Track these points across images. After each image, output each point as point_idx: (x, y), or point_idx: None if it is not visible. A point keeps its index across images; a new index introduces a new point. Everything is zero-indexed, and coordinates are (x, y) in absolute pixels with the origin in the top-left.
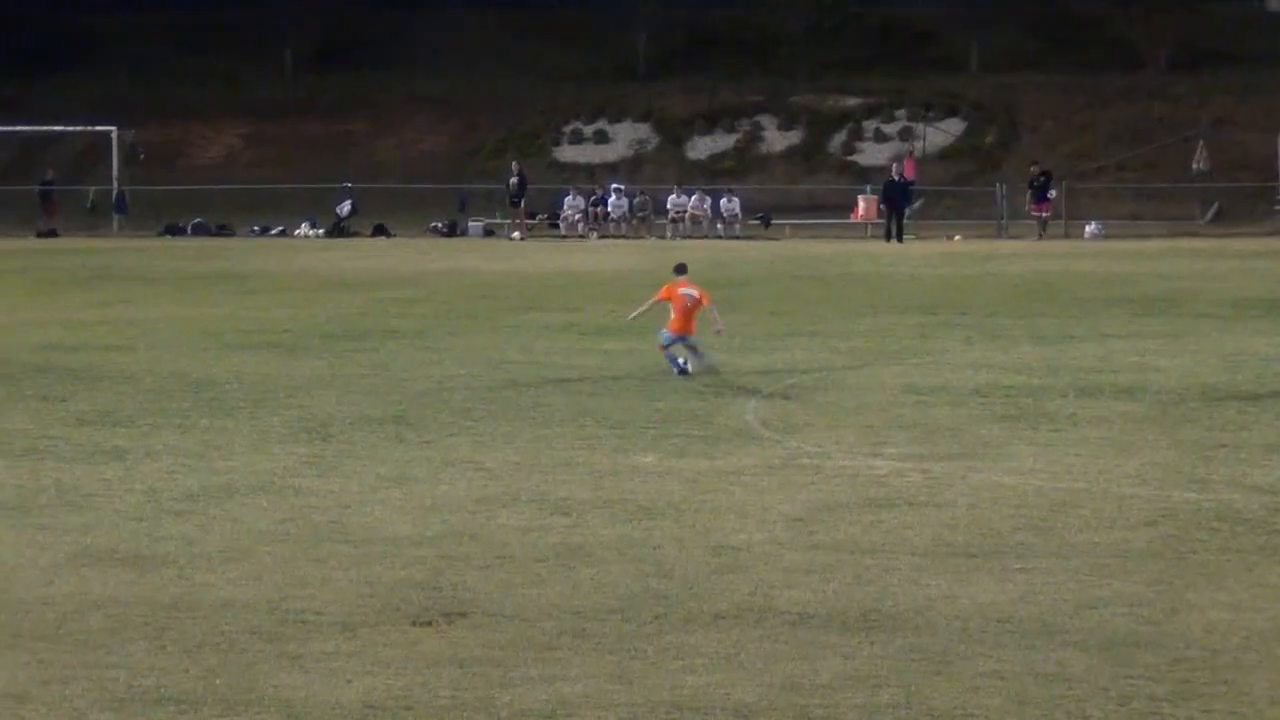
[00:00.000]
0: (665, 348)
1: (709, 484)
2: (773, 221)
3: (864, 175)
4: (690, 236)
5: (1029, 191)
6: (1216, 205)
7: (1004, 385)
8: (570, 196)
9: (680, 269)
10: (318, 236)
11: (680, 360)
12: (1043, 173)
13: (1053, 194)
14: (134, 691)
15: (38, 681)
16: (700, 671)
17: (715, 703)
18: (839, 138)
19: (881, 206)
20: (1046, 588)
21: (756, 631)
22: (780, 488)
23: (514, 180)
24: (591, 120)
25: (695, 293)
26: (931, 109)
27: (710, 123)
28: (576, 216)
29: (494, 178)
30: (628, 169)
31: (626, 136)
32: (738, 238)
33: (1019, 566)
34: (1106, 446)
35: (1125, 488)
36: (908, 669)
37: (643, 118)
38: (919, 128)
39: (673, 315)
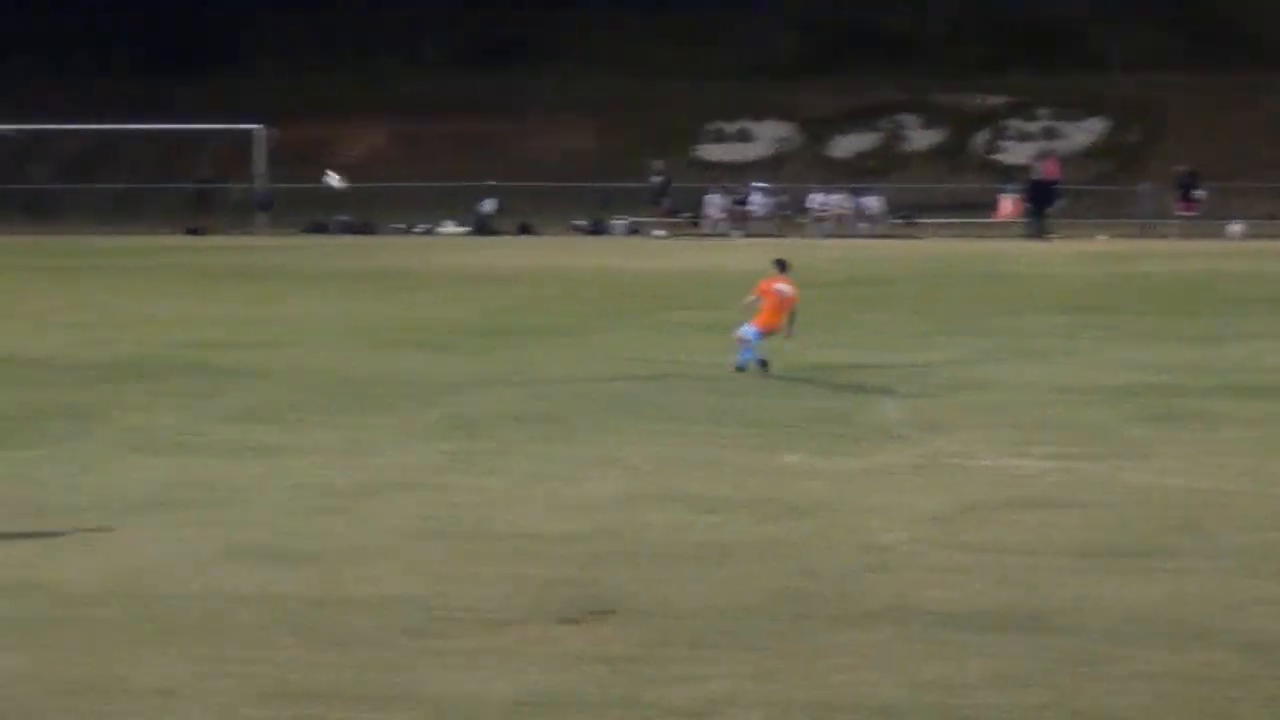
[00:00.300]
0: (746, 341)
1: (853, 483)
2: (915, 220)
3: (1006, 174)
4: (833, 235)
5: (1175, 191)
6: None
7: (1150, 385)
8: (713, 195)
9: (780, 265)
10: (463, 234)
11: (757, 355)
12: (1189, 172)
13: (1199, 194)
14: (283, 686)
15: (188, 676)
16: (846, 670)
17: (861, 702)
18: (981, 136)
19: (1026, 205)
20: (1194, 588)
21: (902, 631)
22: (925, 487)
23: (657, 179)
24: (734, 119)
25: (789, 289)
26: (1074, 107)
27: (852, 121)
28: (719, 215)
29: (637, 176)
30: (770, 167)
31: (769, 135)
32: (880, 236)
33: (1166, 567)
34: (1256, 447)
35: (1276, 488)
36: (1054, 669)
37: (785, 116)
38: (1062, 126)
39: (763, 309)
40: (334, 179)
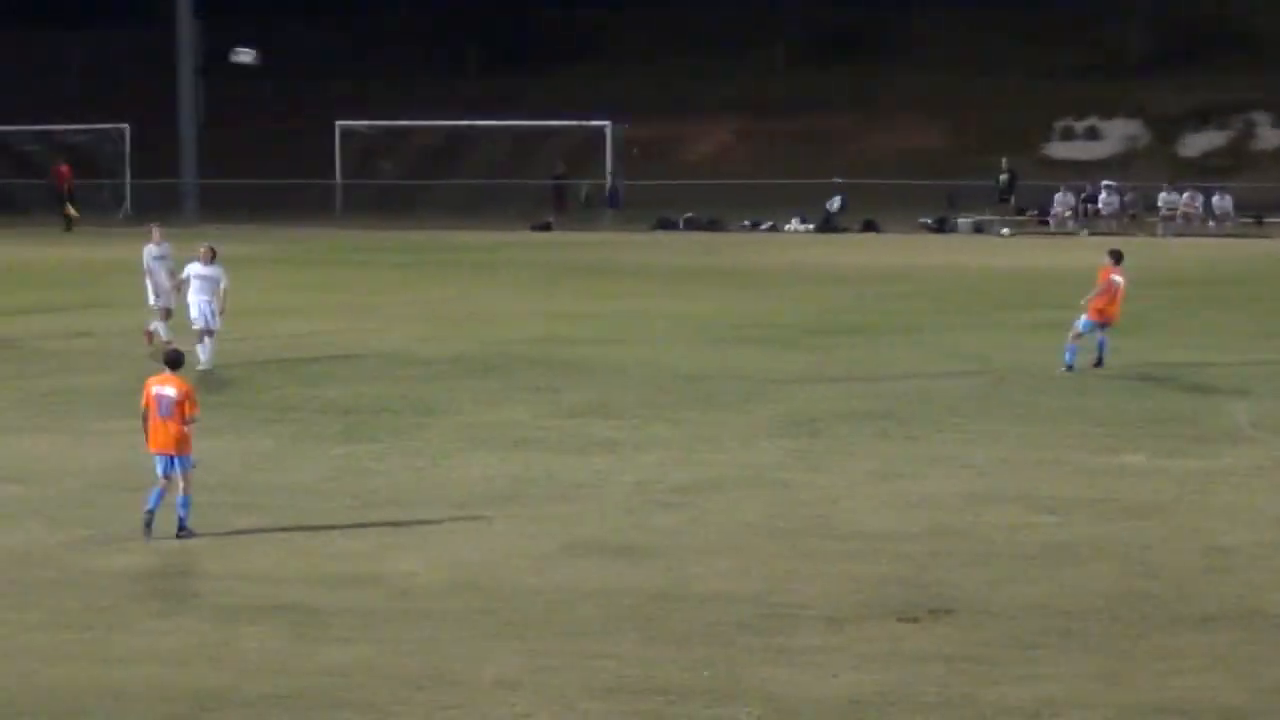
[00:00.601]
0: (1080, 335)
1: (1198, 484)
2: (1265, 220)
3: None
4: (1182, 234)
5: None
6: None
7: None
8: (1061, 193)
9: (1115, 255)
10: (808, 231)
11: (1074, 356)
12: None
13: None
14: (622, 681)
15: (529, 669)
16: (1187, 673)
17: (1202, 705)
18: None
19: None
20: None
21: (1246, 634)
22: (1271, 489)
23: (1004, 176)
24: (1082, 117)
25: (1122, 279)
26: None
27: (1202, 119)
28: (1067, 213)
29: (984, 174)
30: (1118, 166)
31: (1117, 133)
32: (1228, 236)
33: None
34: None
35: None
36: None
37: (1134, 114)
38: None
39: (1097, 299)
40: (244, 54)
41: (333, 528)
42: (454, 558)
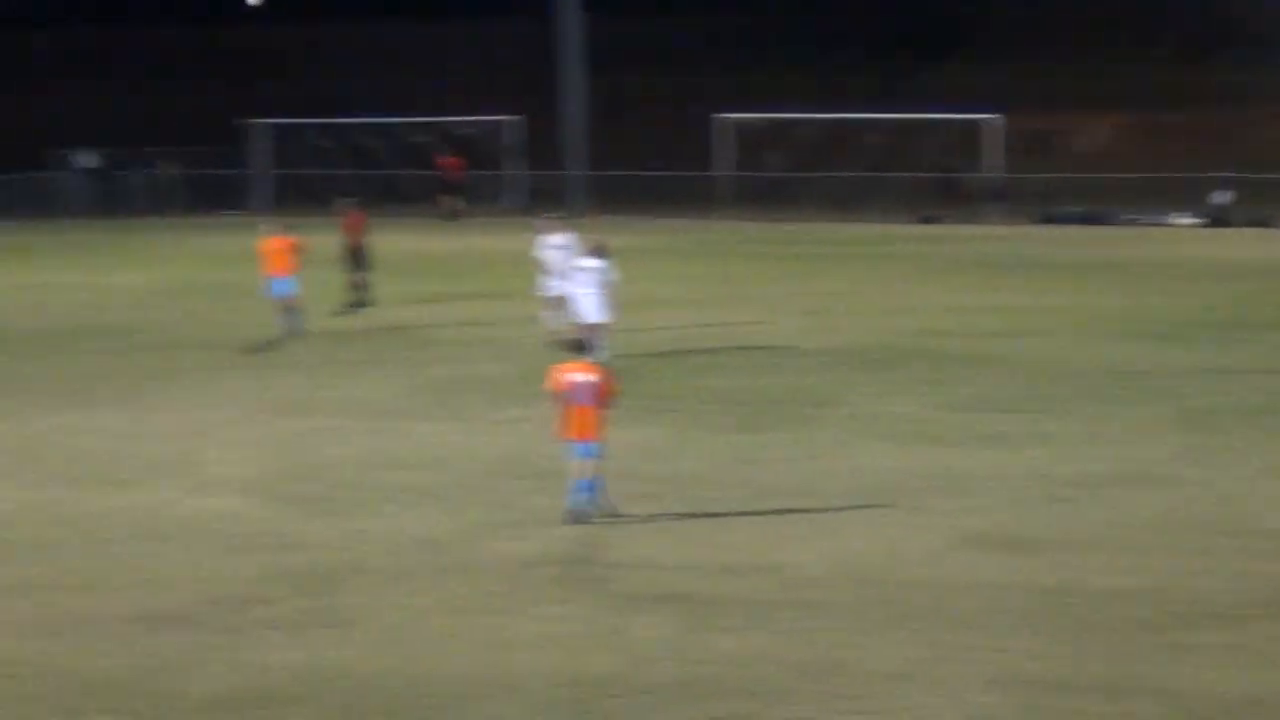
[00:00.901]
0: None
1: None
2: None
3: None
4: None
5: None
6: None
7: None
8: None
9: None
10: (1194, 226)
11: None
12: None
13: None
14: (1013, 674)
15: (918, 661)
16: None
17: None
18: None
19: None
20: None
21: None
22: None
23: None
24: None
25: None
26: None
27: None
28: None
29: None
30: None
31: None
32: None
33: None
34: None
35: None
36: None
37: None
38: None
39: None
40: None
41: (725, 516)
42: (844, 549)
